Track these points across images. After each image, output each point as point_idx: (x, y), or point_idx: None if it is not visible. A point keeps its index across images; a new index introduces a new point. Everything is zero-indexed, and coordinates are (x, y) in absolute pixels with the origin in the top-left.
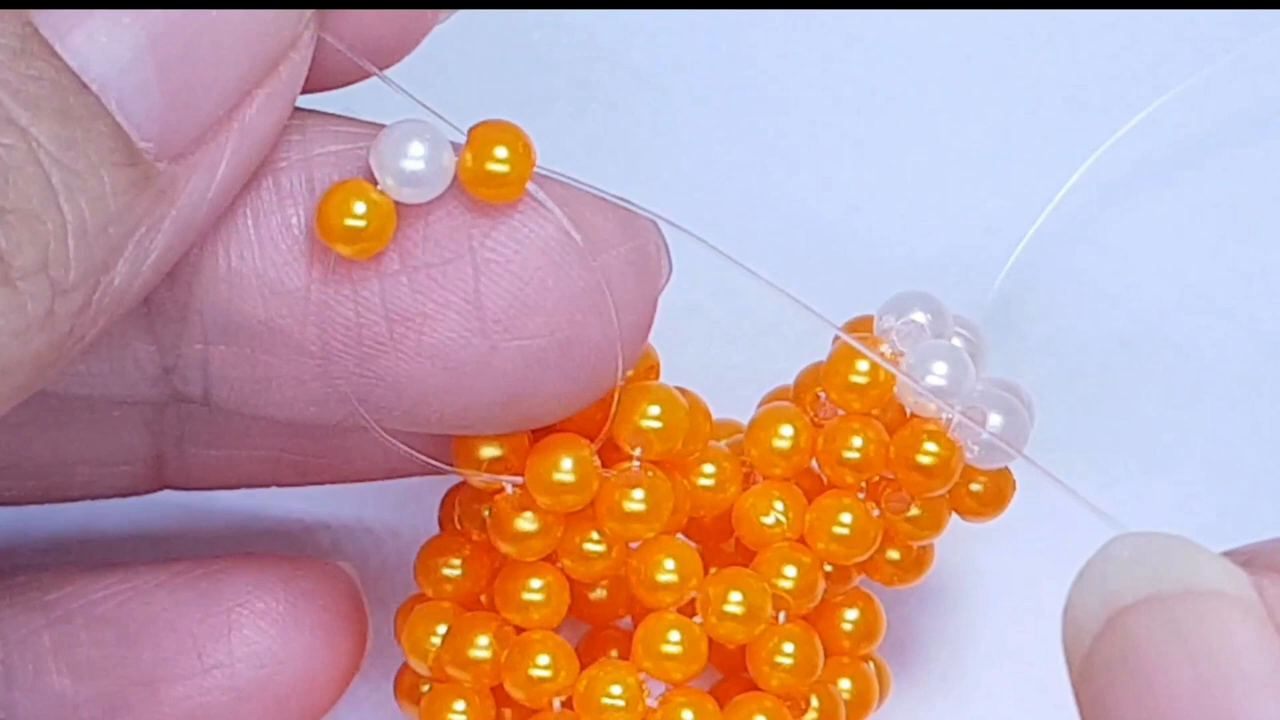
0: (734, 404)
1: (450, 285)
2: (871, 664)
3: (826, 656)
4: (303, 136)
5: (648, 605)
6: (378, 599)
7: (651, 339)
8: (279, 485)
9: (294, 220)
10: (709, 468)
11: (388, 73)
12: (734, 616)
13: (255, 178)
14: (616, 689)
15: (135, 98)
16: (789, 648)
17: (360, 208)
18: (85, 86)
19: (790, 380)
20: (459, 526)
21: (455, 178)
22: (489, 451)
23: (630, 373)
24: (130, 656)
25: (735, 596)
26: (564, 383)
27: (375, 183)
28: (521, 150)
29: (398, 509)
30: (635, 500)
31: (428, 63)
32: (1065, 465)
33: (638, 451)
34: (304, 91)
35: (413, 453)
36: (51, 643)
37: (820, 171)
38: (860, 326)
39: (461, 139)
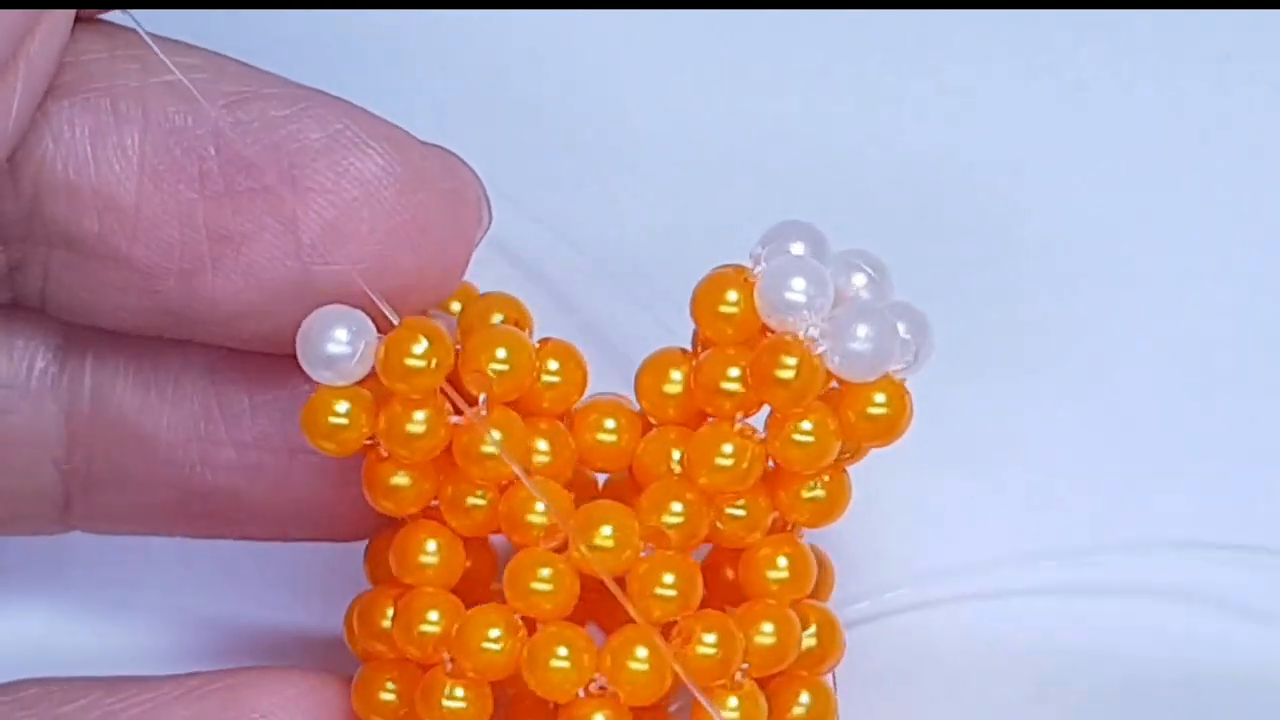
0: None
1: (270, 209)
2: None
3: (750, 599)
4: (141, 66)
5: (518, 546)
6: None
7: None
8: (184, 535)
9: (129, 143)
10: (609, 422)
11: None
12: (604, 549)
13: (93, 102)
14: (495, 632)
15: None
16: (669, 579)
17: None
18: None
19: None
20: None
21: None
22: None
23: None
24: None
25: (605, 530)
26: (373, 309)
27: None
28: (440, 351)
29: None
30: (490, 442)
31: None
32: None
33: (482, 398)
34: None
35: None
36: None
37: None
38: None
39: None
